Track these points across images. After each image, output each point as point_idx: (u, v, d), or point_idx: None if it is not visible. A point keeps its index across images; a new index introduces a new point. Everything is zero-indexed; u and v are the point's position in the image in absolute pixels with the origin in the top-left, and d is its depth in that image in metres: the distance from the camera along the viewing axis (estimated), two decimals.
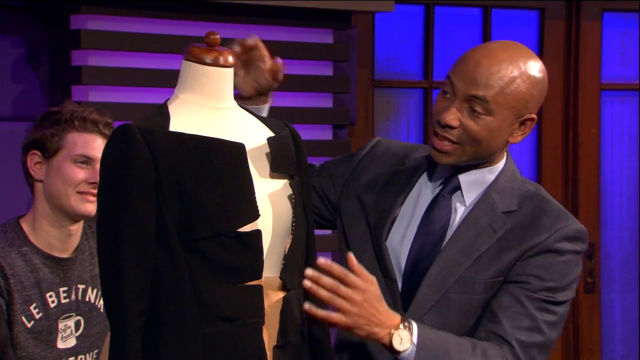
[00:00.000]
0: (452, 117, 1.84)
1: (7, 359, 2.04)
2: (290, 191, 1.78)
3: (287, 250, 1.74)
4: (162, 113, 1.72)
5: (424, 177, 1.95)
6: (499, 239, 1.86)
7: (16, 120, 2.91)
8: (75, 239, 2.23)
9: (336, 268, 1.72)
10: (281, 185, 1.77)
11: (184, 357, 1.65)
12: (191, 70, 1.73)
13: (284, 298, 1.73)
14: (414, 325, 1.77)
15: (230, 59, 1.73)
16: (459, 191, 1.91)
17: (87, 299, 2.23)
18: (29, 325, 2.13)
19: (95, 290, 2.23)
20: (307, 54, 3.23)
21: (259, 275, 1.69)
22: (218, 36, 1.73)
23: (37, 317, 2.15)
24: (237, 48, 1.92)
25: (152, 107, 2.81)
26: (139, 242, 1.64)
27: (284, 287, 1.73)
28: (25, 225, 2.20)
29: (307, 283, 1.70)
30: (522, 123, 1.88)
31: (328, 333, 1.82)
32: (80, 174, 2.15)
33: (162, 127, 1.68)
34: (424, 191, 1.94)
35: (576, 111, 3.84)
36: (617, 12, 3.86)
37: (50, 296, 2.16)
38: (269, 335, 1.71)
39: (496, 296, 1.85)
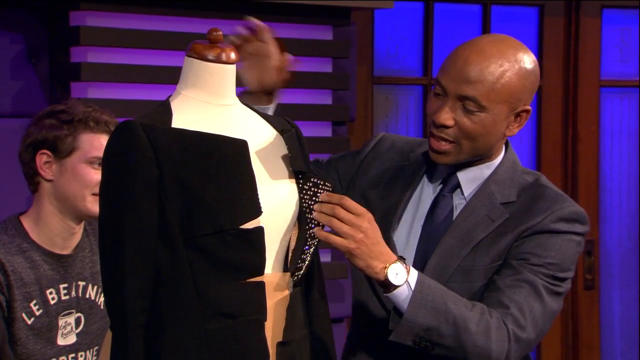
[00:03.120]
0: (446, 116, 1.85)
1: (5, 356, 2.04)
2: (294, 188, 1.78)
3: (293, 244, 1.74)
4: (164, 109, 1.72)
5: (426, 175, 1.95)
6: (497, 227, 1.87)
7: (15, 117, 2.90)
8: (77, 237, 2.23)
9: (336, 196, 1.74)
10: (285, 182, 1.78)
11: (186, 354, 1.65)
12: (193, 67, 1.73)
13: (291, 295, 1.73)
14: (412, 269, 1.78)
15: (233, 55, 1.74)
16: (459, 189, 1.92)
17: (87, 296, 2.23)
18: (29, 322, 2.13)
19: (95, 287, 2.24)
20: (306, 51, 3.23)
21: (261, 272, 1.68)
22: (220, 33, 1.73)
23: (37, 313, 2.14)
24: (241, 31, 1.90)
25: (151, 104, 2.83)
26: (141, 239, 1.64)
27: (288, 283, 1.74)
28: (26, 222, 2.20)
29: (314, 213, 1.72)
30: (517, 115, 1.88)
31: (330, 330, 1.83)
32: (97, 175, 2.14)
33: (165, 124, 1.68)
34: (425, 190, 1.94)
35: (575, 108, 3.84)
36: (617, 9, 3.86)
37: (51, 293, 2.16)
38: (273, 332, 1.71)
39: (498, 270, 1.85)
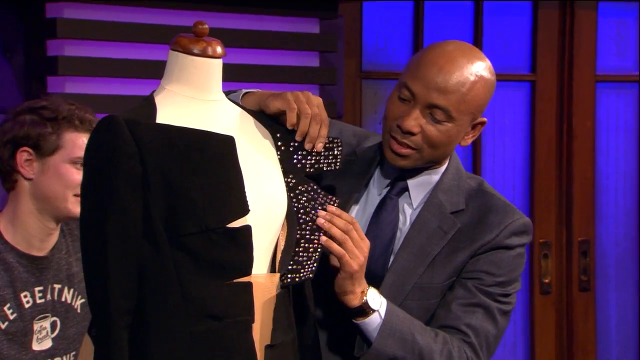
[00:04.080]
0: (414, 123, 1.89)
1: None
2: (283, 186, 1.79)
3: (282, 244, 1.76)
4: (148, 105, 1.73)
5: (375, 175, 2.00)
6: (450, 240, 1.94)
7: None
8: (54, 238, 2.23)
9: (346, 214, 1.81)
10: (273, 180, 1.79)
11: (171, 356, 1.65)
12: (178, 61, 1.74)
13: (278, 295, 1.75)
14: (382, 297, 1.87)
15: (219, 49, 1.74)
16: (407, 193, 1.98)
17: (63, 299, 2.23)
18: (2, 327, 2.13)
19: (72, 290, 2.24)
20: (292, 44, 3.24)
21: (248, 272, 1.69)
22: (206, 26, 1.74)
23: (11, 317, 2.14)
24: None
25: (133, 99, 2.84)
26: (125, 238, 1.65)
27: (276, 284, 1.75)
28: (1, 223, 2.20)
29: (320, 220, 1.78)
30: (474, 126, 1.96)
31: (317, 334, 1.86)
32: (79, 176, 2.13)
33: (149, 119, 1.69)
34: (371, 191, 1.99)
35: (570, 104, 3.86)
36: (613, 1, 3.88)
37: (25, 296, 2.16)
38: (261, 334, 1.72)
39: (449, 290, 1.94)
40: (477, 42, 3.70)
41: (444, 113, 1.89)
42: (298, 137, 1.81)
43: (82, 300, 2.26)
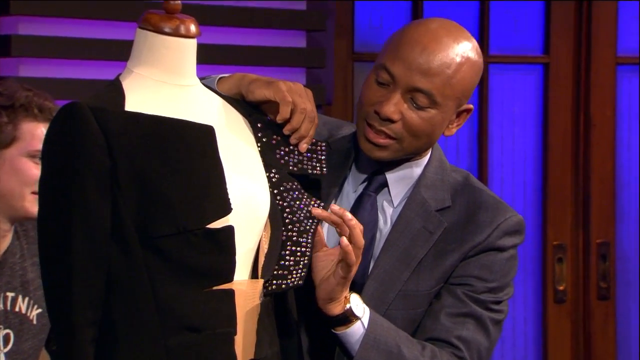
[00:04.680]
0: (393, 109, 1.90)
1: None
2: (265, 182, 1.80)
3: (265, 246, 1.76)
4: (114, 90, 1.73)
5: (350, 171, 2.01)
6: (437, 242, 1.96)
7: None
8: (7, 240, 2.24)
9: (349, 214, 1.82)
10: (254, 175, 1.80)
11: None
12: (147, 41, 1.75)
13: (261, 304, 1.75)
14: (365, 305, 1.88)
15: (193, 28, 1.75)
16: (386, 188, 1.99)
17: (17, 309, 2.24)
18: None
19: (27, 299, 2.25)
20: (276, 23, 3.25)
21: (230, 278, 1.70)
22: (179, 1, 1.74)
23: None
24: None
25: (96, 84, 2.84)
26: (91, 241, 1.64)
27: (259, 292, 1.76)
28: None
29: (333, 217, 1.79)
30: (459, 114, 1.97)
31: (301, 347, 1.88)
32: (38, 171, 2.13)
33: (117, 107, 1.69)
34: (346, 188, 2.01)
35: (588, 89, 3.87)
36: None
37: None
38: (243, 347, 1.72)
39: (437, 298, 1.96)
40: (484, 19, 3.71)
41: (427, 98, 1.90)
42: (287, 132, 1.83)
43: (39, 310, 2.27)
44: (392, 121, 1.90)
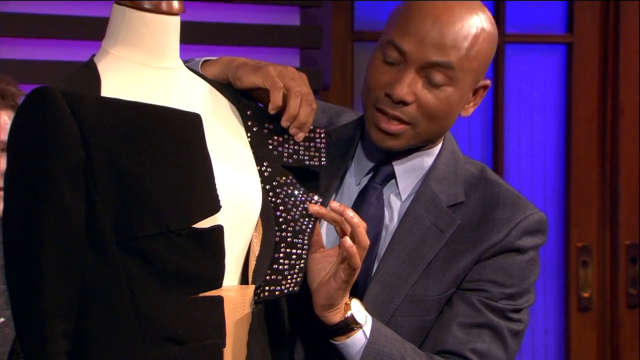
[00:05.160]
0: (407, 90, 1.90)
1: None
2: (256, 176, 1.80)
3: (257, 248, 1.76)
4: (88, 73, 1.72)
5: (353, 161, 2.00)
6: (449, 241, 1.96)
7: None
8: None
9: (351, 212, 1.81)
10: (244, 168, 1.79)
11: None
12: (126, 18, 1.75)
13: (252, 313, 1.75)
14: (367, 312, 1.87)
15: (176, 4, 1.75)
16: (393, 180, 2.00)
17: None
18: None
19: None
20: None
21: (218, 284, 1.69)
22: None
23: None
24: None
25: (68, 66, 2.83)
26: (63, 243, 1.64)
27: (250, 300, 1.76)
28: None
29: (332, 214, 1.79)
30: (475, 92, 1.99)
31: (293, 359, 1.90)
32: (3, 164, 2.16)
33: (92, 92, 1.68)
34: (347, 180, 2.01)
35: (616, 72, 3.87)
36: None
37: None
38: None
39: (448, 305, 1.96)
40: None
41: (444, 74, 1.90)
42: (285, 122, 1.82)
43: (1, 319, 2.27)
44: (405, 103, 1.90)
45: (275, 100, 1.81)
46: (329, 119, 2.05)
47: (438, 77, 1.91)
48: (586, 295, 3.90)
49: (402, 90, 1.89)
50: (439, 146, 2.00)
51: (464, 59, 1.90)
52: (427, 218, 1.96)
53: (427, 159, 2.00)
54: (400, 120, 1.91)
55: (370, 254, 1.93)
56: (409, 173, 1.99)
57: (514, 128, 3.84)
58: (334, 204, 1.81)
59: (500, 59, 3.68)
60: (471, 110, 1.99)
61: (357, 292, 1.91)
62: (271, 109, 1.82)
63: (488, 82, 1.99)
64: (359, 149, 2.01)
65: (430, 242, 1.95)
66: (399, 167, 1.99)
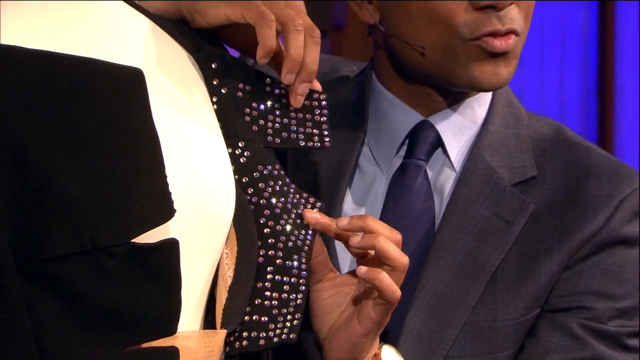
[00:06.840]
0: None
1: None
2: (227, 165, 1.46)
3: (229, 273, 1.45)
4: None
5: (368, 138, 1.70)
6: (521, 238, 1.64)
7: None
8: None
9: (373, 222, 1.51)
10: (209, 151, 1.47)
11: None
12: None
13: None
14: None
15: None
16: (439, 150, 1.68)
17: None
18: None
19: None
20: None
21: (171, 328, 1.37)
22: None
23: None
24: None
25: None
26: None
27: (219, 352, 1.43)
28: None
29: (337, 229, 1.46)
30: None
31: None
32: None
33: None
34: (363, 166, 1.69)
35: None
36: None
37: None
38: None
39: (532, 335, 1.64)
40: None
41: None
42: (288, 75, 1.41)
43: None
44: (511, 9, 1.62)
45: (266, 40, 1.37)
46: (322, 76, 1.62)
47: None
48: None
49: None
50: (489, 95, 1.68)
51: None
52: (483, 205, 1.62)
53: (479, 109, 1.67)
54: (512, 32, 1.62)
55: (417, 267, 1.62)
56: (458, 134, 1.66)
57: (629, 89, 3.43)
58: (343, 222, 1.42)
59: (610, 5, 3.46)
60: None
61: (390, 325, 1.53)
62: (260, 57, 1.39)
63: None
64: (373, 117, 1.67)
65: (492, 240, 1.61)
66: (446, 127, 1.65)
